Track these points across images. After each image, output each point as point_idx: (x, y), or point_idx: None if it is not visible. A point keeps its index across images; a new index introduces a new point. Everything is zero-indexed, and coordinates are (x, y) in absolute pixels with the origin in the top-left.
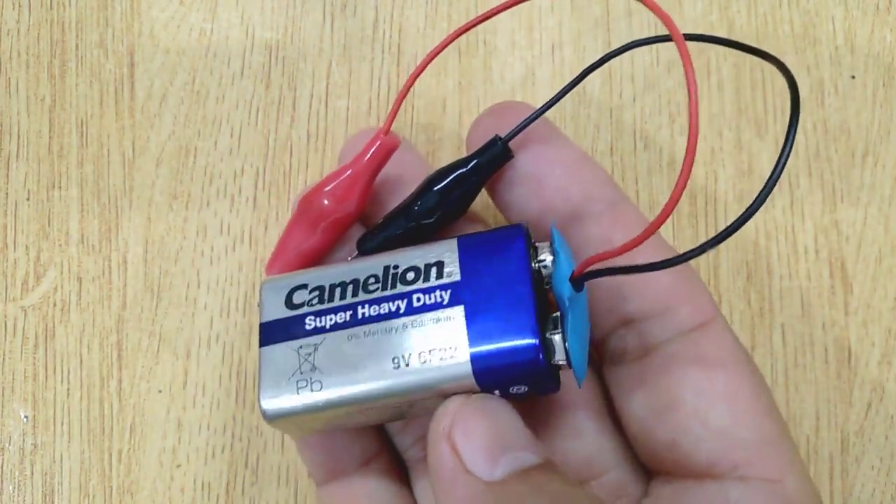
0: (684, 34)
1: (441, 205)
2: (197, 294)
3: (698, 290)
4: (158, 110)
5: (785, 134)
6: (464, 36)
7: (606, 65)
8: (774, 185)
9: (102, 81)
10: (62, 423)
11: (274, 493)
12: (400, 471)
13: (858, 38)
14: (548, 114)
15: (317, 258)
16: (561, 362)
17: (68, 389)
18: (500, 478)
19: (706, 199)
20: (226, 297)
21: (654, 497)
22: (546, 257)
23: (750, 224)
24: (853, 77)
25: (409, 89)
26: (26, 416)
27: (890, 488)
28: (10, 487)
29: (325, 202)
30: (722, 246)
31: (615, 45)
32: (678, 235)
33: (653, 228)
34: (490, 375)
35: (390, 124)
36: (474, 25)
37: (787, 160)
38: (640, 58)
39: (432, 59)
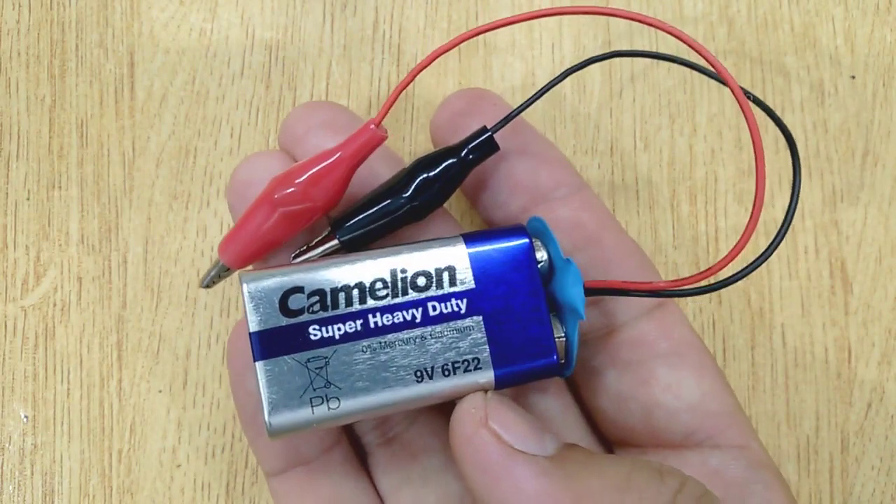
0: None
1: (430, 192)
2: (197, 294)
3: (654, 272)
4: (158, 110)
5: (786, 139)
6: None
7: (607, 64)
8: (783, 236)
9: (102, 81)
10: (62, 423)
11: None
12: (358, 457)
13: (858, 38)
14: (550, 114)
15: (273, 246)
16: (562, 362)
17: (68, 389)
18: (554, 453)
19: (706, 198)
20: (226, 298)
21: None
22: (542, 255)
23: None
24: (853, 77)
25: (408, 83)
26: (26, 416)
27: (890, 488)
28: (10, 487)
29: (299, 188)
30: (723, 245)
31: (615, 45)
32: (678, 235)
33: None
34: (509, 383)
35: (383, 116)
36: (484, 31)
37: (794, 212)
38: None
39: (437, 56)
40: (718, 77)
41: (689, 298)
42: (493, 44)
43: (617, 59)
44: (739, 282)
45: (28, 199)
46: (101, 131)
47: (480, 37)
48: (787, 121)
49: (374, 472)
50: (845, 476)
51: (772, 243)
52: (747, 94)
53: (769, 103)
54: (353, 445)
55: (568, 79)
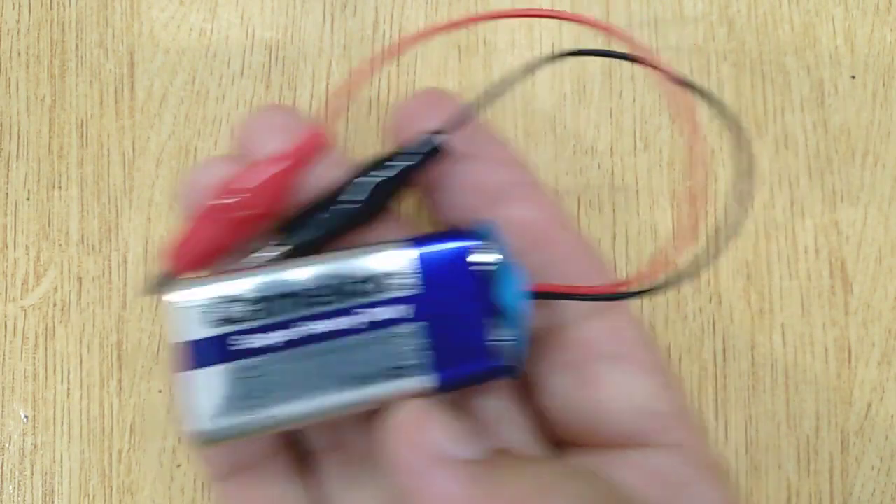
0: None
1: (376, 196)
2: None
3: (606, 273)
4: (158, 110)
5: (784, 134)
6: (464, 35)
7: (607, 65)
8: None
9: (102, 81)
10: (62, 423)
11: None
12: (304, 462)
13: (858, 38)
14: (549, 114)
15: (218, 253)
16: (512, 365)
17: (68, 389)
18: (482, 457)
19: (706, 199)
20: None
21: None
22: (490, 258)
23: (750, 224)
24: (853, 77)
25: (354, 84)
26: (26, 416)
27: (890, 488)
28: (10, 487)
29: (243, 194)
30: (722, 246)
31: (615, 45)
32: (678, 235)
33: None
34: (454, 387)
35: (328, 119)
36: (467, 24)
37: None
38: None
39: (418, 40)
40: (651, 64)
41: (689, 299)
42: (493, 44)
43: (616, 60)
44: (739, 282)
45: (28, 199)
46: (101, 131)
47: (480, 37)
48: (787, 121)
49: (321, 477)
50: (845, 476)
51: (713, 242)
52: (682, 81)
53: (769, 103)
54: (300, 451)
55: (567, 79)
